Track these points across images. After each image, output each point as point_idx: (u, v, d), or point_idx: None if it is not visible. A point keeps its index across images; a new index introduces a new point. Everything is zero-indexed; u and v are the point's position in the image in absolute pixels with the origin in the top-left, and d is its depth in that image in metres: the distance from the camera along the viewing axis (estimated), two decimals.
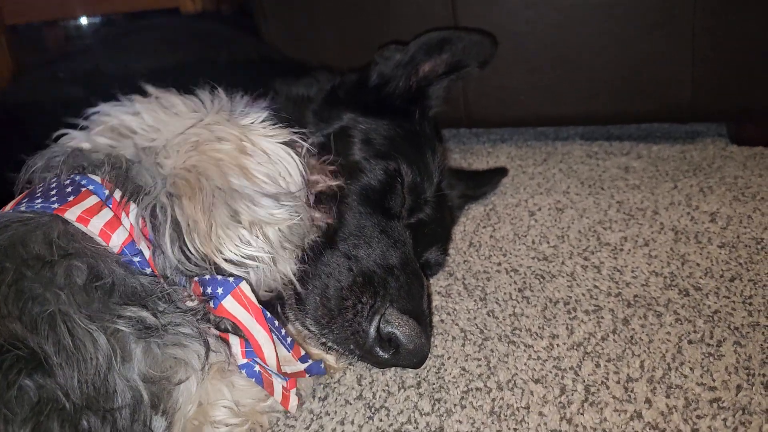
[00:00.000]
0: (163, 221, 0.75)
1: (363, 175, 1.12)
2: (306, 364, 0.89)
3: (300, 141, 0.88)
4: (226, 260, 0.78)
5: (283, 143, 0.85)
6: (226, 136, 0.80)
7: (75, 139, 0.82)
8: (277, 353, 0.82)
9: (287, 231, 0.82)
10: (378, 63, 1.30)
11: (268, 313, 0.82)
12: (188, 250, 0.75)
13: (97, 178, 0.78)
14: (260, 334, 0.80)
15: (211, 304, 0.78)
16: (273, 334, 0.82)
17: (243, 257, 0.79)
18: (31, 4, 2.58)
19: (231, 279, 0.78)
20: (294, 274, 0.88)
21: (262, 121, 0.86)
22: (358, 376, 1.00)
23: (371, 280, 0.98)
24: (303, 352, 0.89)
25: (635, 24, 1.56)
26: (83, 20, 2.80)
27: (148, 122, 0.81)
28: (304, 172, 0.86)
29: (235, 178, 0.78)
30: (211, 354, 0.74)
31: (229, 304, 0.78)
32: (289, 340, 0.86)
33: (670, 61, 1.57)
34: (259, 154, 0.81)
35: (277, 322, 0.84)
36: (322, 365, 0.93)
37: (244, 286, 0.79)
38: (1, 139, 1.30)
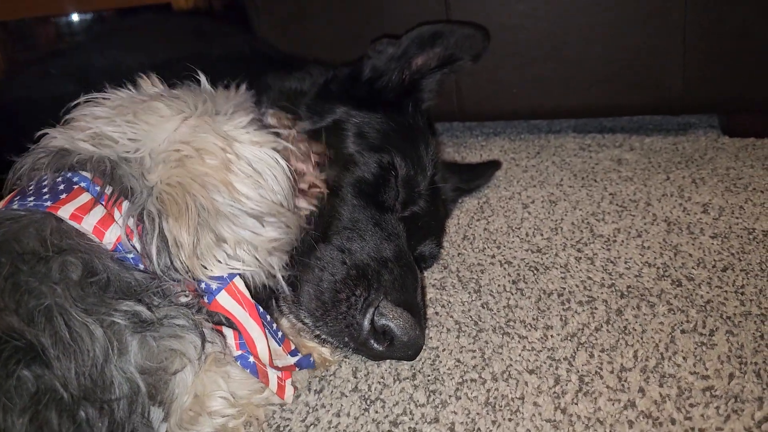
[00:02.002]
0: (150, 230, 0.74)
1: (356, 168, 1.12)
2: (296, 358, 0.89)
3: (284, 143, 0.86)
4: (211, 277, 0.78)
5: (269, 148, 0.83)
6: (210, 148, 0.78)
7: (58, 140, 0.81)
8: (269, 348, 0.82)
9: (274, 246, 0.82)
10: (371, 57, 1.30)
11: (260, 307, 0.82)
12: (174, 262, 0.75)
13: (88, 175, 0.78)
14: (254, 329, 0.80)
15: (206, 299, 0.78)
16: (265, 329, 0.82)
17: (230, 272, 0.79)
18: (22, 0, 2.56)
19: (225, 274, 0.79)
20: (283, 277, 0.88)
21: (246, 125, 0.83)
22: (354, 369, 1.00)
23: (365, 273, 0.99)
24: (293, 346, 0.89)
25: (627, 16, 1.56)
26: (75, 17, 2.78)
27: (129, 134, 0.79)
28: (290, 176, 0.84)
29: (219, 195, 0.77)
30: (207, 344, 0.74)
31: (224, 299, 0.78)
32: (280, 334, 0.86)
33: (662, 53, 1.58)
34: (243, 167, 0.79)
35: (269, 317, 0.84)
36: (312, 359, 0.93)
37: (238, 281, 0.79)
38: None
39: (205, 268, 0.76)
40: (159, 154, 0.77)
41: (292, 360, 0.89)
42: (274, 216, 0.81)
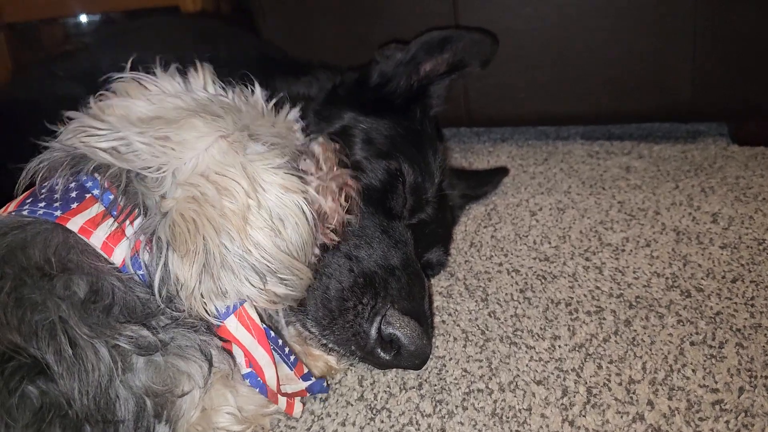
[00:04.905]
0: (156, 258, 0.72)
1: (364, 175, 1.11)
2: (308, 383, 0.88)
3: (314, 194, 0.81)
4: (210, 315, 0.75)
5: (296, 194, 0.78)
6: (232, 188, 0.73)
7: (79, 145, 0.77)
8: (278, 374, 0.81)
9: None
10: (379, 62, 1.29)
11: (271, 332, 0.81)
12: (175, 295, 0.73)
13: (103, 180, 0.75)
14: (262, 357, 0.78)
15: (214, 324, 0.76)
16: (276, 353, 0.81)
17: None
18: (29, 1, 2.57)
19: None
20: (284, 311, 0.87)
21: (279, 165, 0.78)
22: (360, 377, 1.00)
23: (372, 281, 0.98)
24: (306, 370, 0.88)
25: (635, 22, 1.55)
26: (82, 18, 2.78)
27: (156, 150, 0.74)
28: (314, 228, 0.80)
29: (230, 242, 0.73)
30: (214, 367, 0.73)
31: (232, 325, 0.76)
32: (292, 358, 0.85)
33: (671, 59, 1.57)
34: (263, 215, 0.74)
35: (280, 341, 0.83)
36: (325, 383, 0.93)
37: (248, 306, 0.77)
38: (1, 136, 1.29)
39: (206, 310, 0.74)
40: (180, 182, 0.73)
41: (304, 385, 0.88)
42: (286, 271, 0.77)
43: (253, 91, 0.87)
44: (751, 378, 0.91)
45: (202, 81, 0.85)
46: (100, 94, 0.81)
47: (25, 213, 0.73)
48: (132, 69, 0.82)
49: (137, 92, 0.79)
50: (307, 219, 0.78)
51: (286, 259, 0.76)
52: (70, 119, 0.79)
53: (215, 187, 0.73)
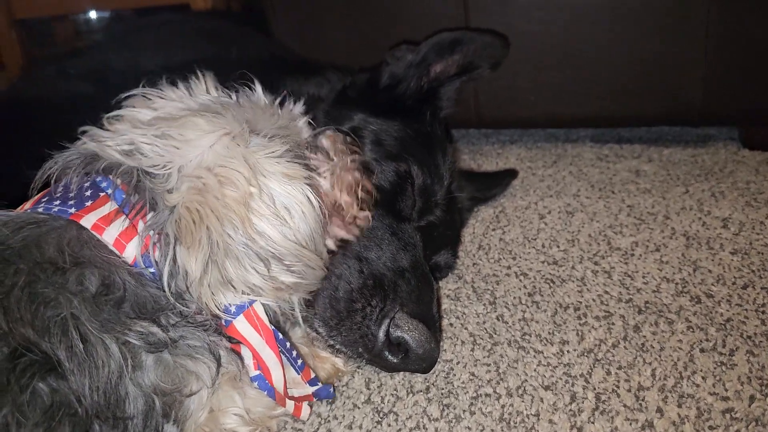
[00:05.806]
0: (164, 252, 0.72)
1: (373, 177, 1.11)
2: (315, 387, 0.88)
3: (316, 179, 0.81)
4: (219, 308, 0.76)
5: (300, 182, 0.78)
6: (233, 177, 0.73)
7: (89, 144, 0.79)
8: (285, 376, 0.81)
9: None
10: (389, 63, 1.29)
11: (279, 334, 0.81)
12: (188, 288, 0.74)
13: (117, 180, 0.77)
14: (269, 358, 0.78)
15: (223, 323, 0.76)
16: (283, 356, 0.81)
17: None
18: None
19: None
20: (300, 304, 0.85)
21: (281, 154, 0.77)
22: (367, 380, 0.99)
23: (381, 283, 0.98)
24: (313, 375, 0.88)
25: (647, 25, 1.55)
26: (93, 15, 2.80)
27: (160, 149, 0.75)
28: (321, 215, 0.79)
29: (234, 231, 0.72)
30: (222, 367, 0.73)
31: (241, 324, 0.76)
32: (299, 362, 0.85)
33: (682, 63, 1.56)
34: (265, 201, 0.74)
35: (288, 344, 0.83)
36: (331, 389, 0.92)
37: (258, 307, 0.77)
38: (9, 134, 1.30)
39: (215, 301, 0.74)
40: (186, 175, 0.74)
41: (311, 389, 0.88)
42: (294, 259, 0.77)
43: (253, 89, 0.88)
44: (762, 386, 0.91)
45: (204, 86, 0.87)
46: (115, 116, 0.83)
47: (40, 210, 0.74)
48: (146, 78, 0.85)
49: (143, 104, 0.82)
50: (313, 206, 0.78)
51: (293, 247, 0.76)
52: (83, 134, 0.81)
53: (217, 178, 0.74)
